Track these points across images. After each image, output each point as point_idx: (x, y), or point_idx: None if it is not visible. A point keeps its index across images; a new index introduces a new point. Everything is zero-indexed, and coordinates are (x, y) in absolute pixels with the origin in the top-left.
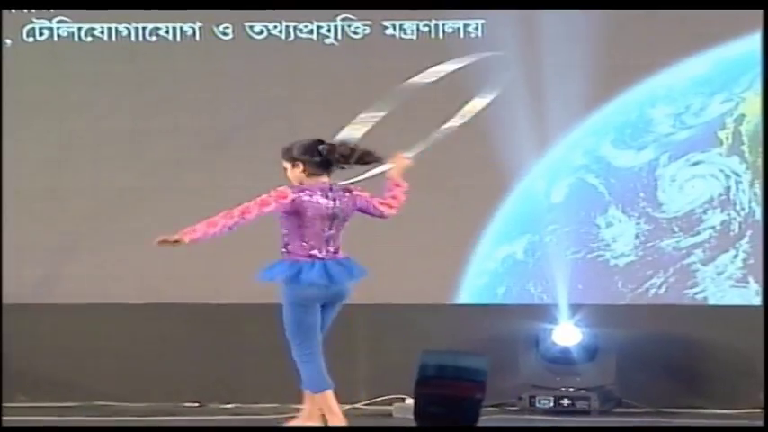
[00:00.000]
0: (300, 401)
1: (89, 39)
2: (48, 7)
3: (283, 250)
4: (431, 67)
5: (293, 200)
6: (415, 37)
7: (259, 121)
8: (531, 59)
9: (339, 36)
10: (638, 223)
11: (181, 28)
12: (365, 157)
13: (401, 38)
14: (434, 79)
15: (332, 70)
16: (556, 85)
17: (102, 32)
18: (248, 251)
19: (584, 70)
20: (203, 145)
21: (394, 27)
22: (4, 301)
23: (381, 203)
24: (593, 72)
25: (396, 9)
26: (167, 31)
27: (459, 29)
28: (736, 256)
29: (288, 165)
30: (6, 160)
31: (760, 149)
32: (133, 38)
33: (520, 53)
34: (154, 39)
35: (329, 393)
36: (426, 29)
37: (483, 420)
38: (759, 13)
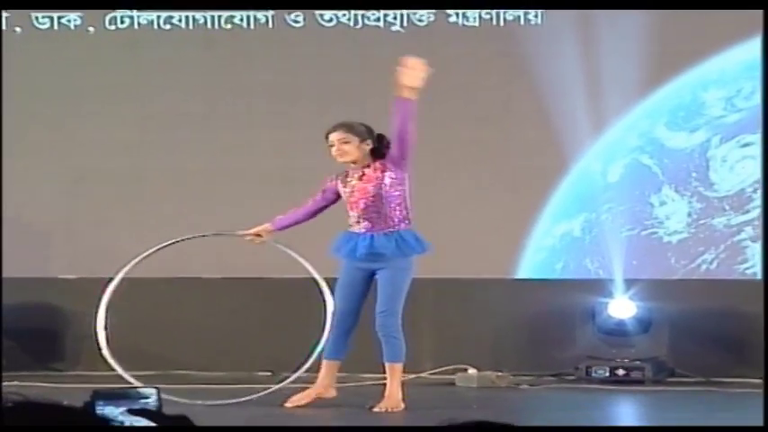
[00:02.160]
0: (371, 371)
1: (167, 26)
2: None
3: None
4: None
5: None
6: (477, 24)
7: (328, 105)
8: (589, 46)
9: (405, 23)
10: (690, 202)
11: (254, 16)
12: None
13: (464, 25)
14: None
15: (398, 56)
16: (612, 70)
17: (180, 20)
18: (318, 226)
19: (639, 56)
20: (274, 128)
21: (457, 15)
22: (89, 275)
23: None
24: (647, 57)
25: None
26: (241, 19)
27: (519, 16)
28: None
29: (356, 139)
30: (89, 142)
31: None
32: (209, 25)
33: (578, 40)
34: (229, 26)
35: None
36: (488, 16)
37: (541, 389)
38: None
